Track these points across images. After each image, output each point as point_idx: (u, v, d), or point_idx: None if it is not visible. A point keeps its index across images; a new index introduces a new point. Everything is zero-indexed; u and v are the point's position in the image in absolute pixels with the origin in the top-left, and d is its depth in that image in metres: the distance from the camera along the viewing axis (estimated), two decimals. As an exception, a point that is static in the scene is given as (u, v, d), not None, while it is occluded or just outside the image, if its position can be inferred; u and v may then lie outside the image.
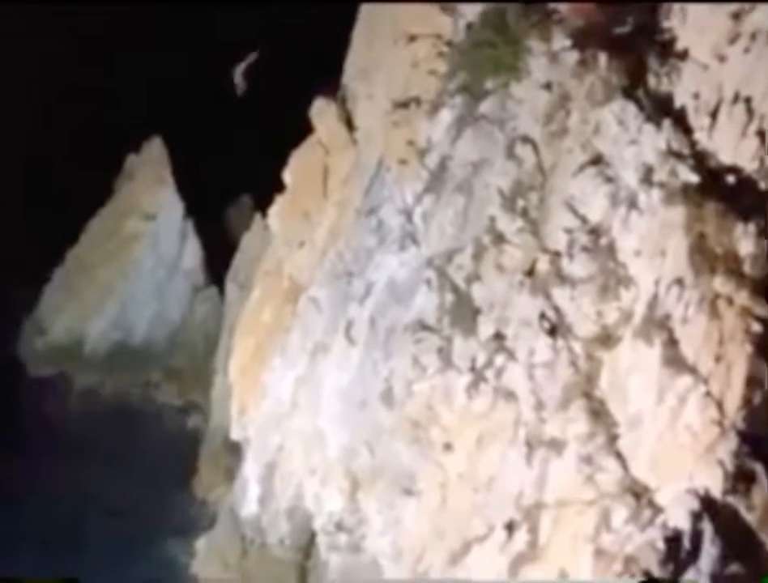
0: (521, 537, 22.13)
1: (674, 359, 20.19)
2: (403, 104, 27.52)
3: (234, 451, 32.48)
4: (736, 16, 21.26)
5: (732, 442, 19.33)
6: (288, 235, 31.18)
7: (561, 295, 22.76)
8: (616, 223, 22.16)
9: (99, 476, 33.04)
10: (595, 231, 22.50)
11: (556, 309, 22.79)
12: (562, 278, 22.81)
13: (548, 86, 24.05)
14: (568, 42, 23.72)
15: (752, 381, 19.52)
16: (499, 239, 24.25)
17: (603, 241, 22.32)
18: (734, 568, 18.87)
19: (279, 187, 31.41)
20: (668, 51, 22.46)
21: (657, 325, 20.67)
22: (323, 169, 30.37)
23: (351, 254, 28.31)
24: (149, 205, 39.72)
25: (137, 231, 39.71)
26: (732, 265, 20.17)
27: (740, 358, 19.59)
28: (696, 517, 19.12)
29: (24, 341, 39.58)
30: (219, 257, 38.45)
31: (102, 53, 41.38)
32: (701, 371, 19.83)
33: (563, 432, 21.92)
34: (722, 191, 20.81)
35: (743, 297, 19.88)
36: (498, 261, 24.17)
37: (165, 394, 38.27)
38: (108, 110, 40.94)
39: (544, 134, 23.96)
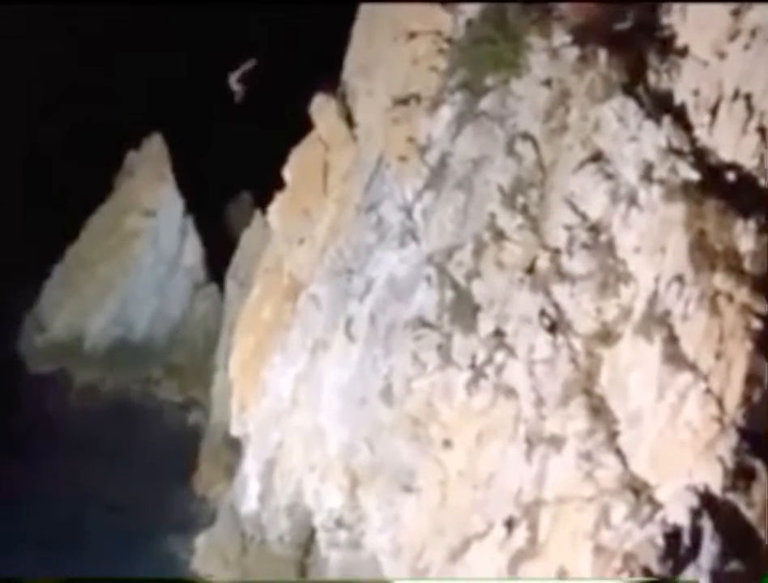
0: (520, 534, 22.14)
1: (674, 356, 20.18)
2: (403, 101, 27.51)
3: (234, 448, 32.50)
4: (736, 13, 21.22)
5: (732, 439, 19.32)
6: (288, 232, 31.17)
7: (560, 291, 22.76)
8: (616, 220, 22.14)
9: (99, 473, 33.06)
10: (595, 228, 22.49)
11: (556, 306, 22.78)
12: (562, 275, 22.80)
13: (548, 82, 24.03)
14: (568, 38, 23.70)
15: (752, 378, 19.51)
16: (499, 236, 24.24)
17: (603, 238, 22.31)
18: (734, 565, 18.86)
19: (279, 184, 31.40)
20: (668, 48, 22.43)
21: (657, 321, 20.66)
22: (323, 166, 30.36)
23: (351, 251, 28.31)
24: (149, 201, 39.74)
25: (137, 228, 39.72)
26: (732, 263, 20.15)
27: (740, 355, 19.58)
28: (696, 514, 19.12)
29: (24, 337, 39.62)
30: (219, 254, 38.46)
31: (102, 53, 41.42)
32: (701, 368, 19.82)
33: (563, 429, 21.91)
34: (722, 188, 20.79)
35: (743, 294, 19.86)
36: (498, 258, 24.17)
37: (166, 391, 38.29)
38: (108, 107, 40.94)
39: (544, 131, 23.95)
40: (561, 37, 23.86)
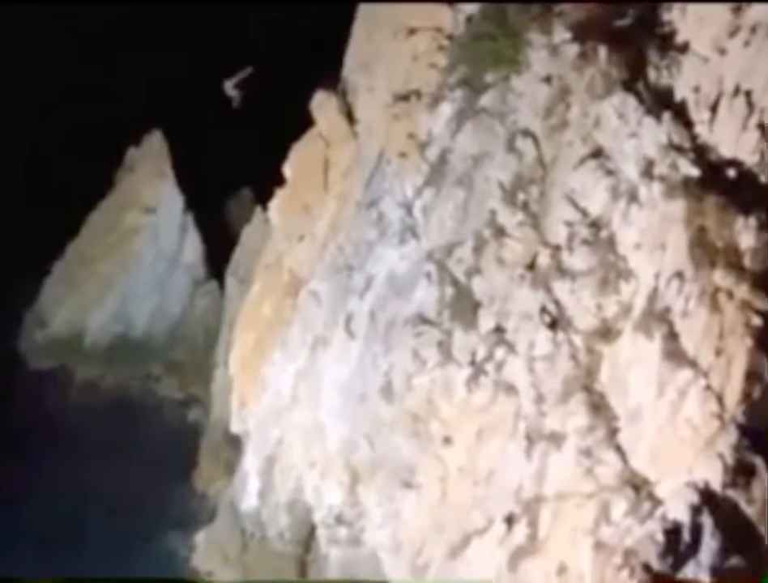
0: (520, 530, 22.16)
1: (674, 353, 20.19)
2: (404, 97, 27.50)
3: (234, 444, 32.50)
4: (736, 9, 21.23)
5: (732, 435, 19.34)
6: (289, 228, 31.16)
7: (561, 288, 22.76)
8: (616, 217, 22.15)
9: (99, 469, 33.03)
10: (596, 225, 22.50)
11: (557, 303, 22.79)
12: (562, 272, 22.81)
13: (548, 79, 24.03)
14: (568, 35, 23.69)
15: (752, 375, 19.53)
16: (499, 232, 24.25)
17: (604, 234, 22.31)
18: (734, 561, 18.90)
19: (280, 180, 31.38)
20: (669, 44, 22.43)
21: (657, 318, 20.66)
22: (324, 162, 30.35)
23: (351, 247, 28.30)
24: (149, 198, 39.71)
25: (137, 225, 39.69)
26: (733, 259, 20.16)
27: (740, 351, 19.59)
28: (696, 510, 19.14)
29: (25, 334, 39.60)
30: (219, 251, 38.43)
31: (102, 53, 41.45)
32: (701, 364, 19.83)
33: (563, 426, 21.93)
34: (722, 184, 20.79)
35: (743, 291, 19.88)
36: (499, 254, 24.17)
37: (166, 387, 38.28)
38: (108, 104, 40.93)
39: (545, 128, 23.95)
40: (561, 34, 23.85)
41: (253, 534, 29.89)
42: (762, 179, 20.84)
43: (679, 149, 21.43)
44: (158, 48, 40.86)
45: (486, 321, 24.18)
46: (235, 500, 30.65)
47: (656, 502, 19.95)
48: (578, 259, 22.56)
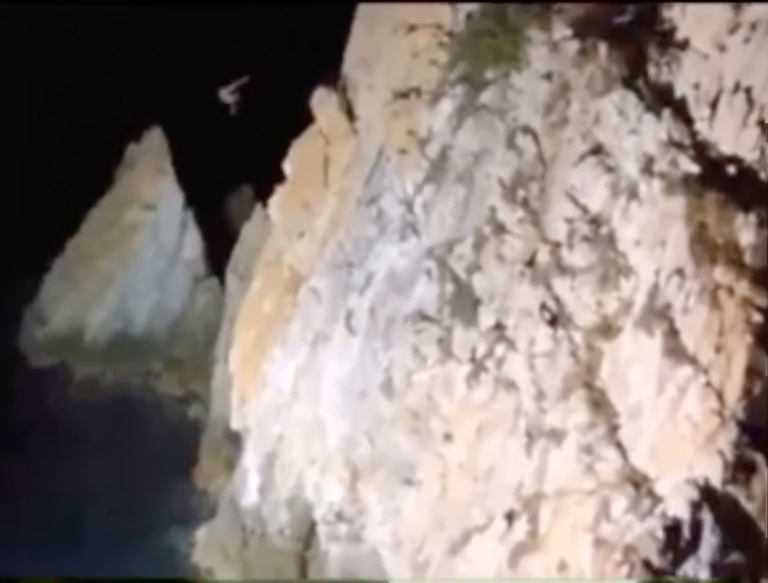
0: (521, 527, 22.17)
1: (674, 350, 20.19)
2: (404, 94, 27.50)
3: (235, 441, 32.52)
4: (736, 6, 21.22)
5: (732, 432, 19.34)
6: (289, 225, 31.17)
7: (561, 285, 22.76)
8: (616, 213, 22.15)
9: (99, 466, 33.08)
10: (596, 221, 22.50)
11: (557, 299, 22.79)
12: (563, 269, 22.81)
13: (548, 76, 24.03)
14: (568, 32, 23.69)
15: (752, 372, 19.53)
16: (499, 229, 24.25)
17: (604, 231, 22.31)
18: (734, 557, 18.90)
19: (280, 177, 31.40)
20: (668, 41, 22.43)
21: (657, 315, 20.67)
22: (324, 159, 30.35)
23: (351, 244, 28.30)
24: (149, 195, 39.69)
25: (137, 221, 39.68)
26: (733, 256, 20.16)
27: (740, 348, 19.59)
28: (696, 507, 19.14)
29: (25, 331, 39.60)
30: (219, 248, 38.44)
31: (102, 53, 41.46)
32: (701, 361, 19.83)
33: (563, 422, 21.94)
34: (722, 181, 20.79)
35: (743, 287, 19.87)
36: (499, 251, 24.17)
37: (166, 384, 38.29)
38: (108, 103, 40.93)
39: (545, 124, 23.95)
40: (561, 31, 23.85)
41: (253, 531, 29.92)
42: (762, 176, 20.83)
43: (679, 146, 21.44)
44: (158, 47, 40.88)
45: (486, 318, 24.18)
46: (235, 497, 30.68)
47: (656, 499, 19.95)
48: (578, 256, 22.57)
